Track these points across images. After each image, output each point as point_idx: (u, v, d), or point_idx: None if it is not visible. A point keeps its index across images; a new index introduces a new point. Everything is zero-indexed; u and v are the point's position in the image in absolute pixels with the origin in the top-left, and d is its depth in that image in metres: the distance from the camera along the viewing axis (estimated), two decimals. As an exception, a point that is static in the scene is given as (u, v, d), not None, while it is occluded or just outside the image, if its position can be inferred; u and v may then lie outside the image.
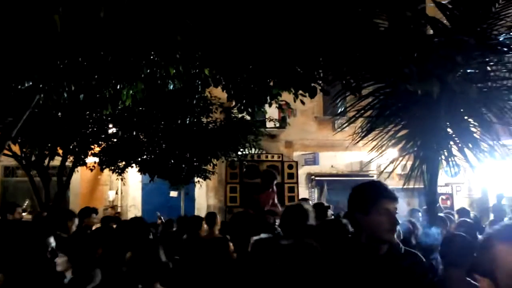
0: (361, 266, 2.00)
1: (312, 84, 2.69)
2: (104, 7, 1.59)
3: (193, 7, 1.91)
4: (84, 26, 1.72)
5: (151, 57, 2.55)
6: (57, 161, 7.62)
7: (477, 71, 3.37)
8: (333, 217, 8.15)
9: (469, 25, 3.43)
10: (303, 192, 12.79)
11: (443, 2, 3.56)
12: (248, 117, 7.76)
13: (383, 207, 2.00)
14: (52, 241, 2.26)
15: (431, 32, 3.69)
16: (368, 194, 2.09)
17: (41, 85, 2.41)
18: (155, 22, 1.94)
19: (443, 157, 3.99)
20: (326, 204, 6.87)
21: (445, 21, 3.64)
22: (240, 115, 7.83)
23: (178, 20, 1.94)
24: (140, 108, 5.52)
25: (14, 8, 1.53)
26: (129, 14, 1.80)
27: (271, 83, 3.75)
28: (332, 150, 13.61)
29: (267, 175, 6.80)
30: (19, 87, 2.18)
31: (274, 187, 6.63)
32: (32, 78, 2.12)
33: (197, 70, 2.96)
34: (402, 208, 2.31)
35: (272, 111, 8.61)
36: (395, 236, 2.05)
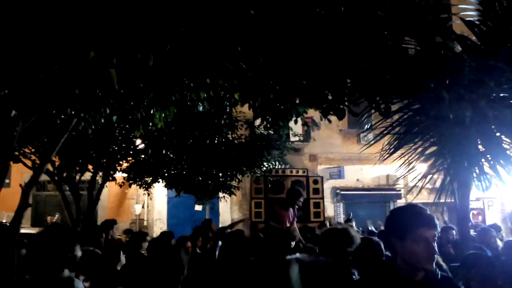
0: None
1: (341, 106, 2.71)
2: (153, 55, 1.68)
3: (223, 38, 1.98)
4: (133, 72, 1.83)
5: (183, 81, 2.64)
6: (87, 175, 7.83)
7: (506, 88, 3.32)
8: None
9: (498, 42, 3.39)
10: (328, 206, 12.67)
11: (470, 19, 3.53)
12: (272, 132, 7.80)
13: (420, 235, 1.91)
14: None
15: (459, 48, 3.67)
16: (405, 220, 1.99)
17: (82, 114, 2.54)
18: (191, 61, 2.02)
19: (474, 174, 3.92)
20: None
21: (473, 38, 3.61)
22: (265, 131, 7.89)
23: (211, 58, 2.01)
24: (170, 128, 5.65)
25: (71, 57, 1.64)
26: (169, 55, 1.89)
27: (297, 101, 3.79)
28: (357, 164, 13.46)
29: (291, 193, 6.82)
30: (62, 116, 2.31)
31: (296, 207, 6.60)
32: (74, 107, 2.24)
33: (227, 95, 3.03)
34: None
35: (296, 125, 8.63)
36: (434, 264, 1.95)
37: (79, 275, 3.02)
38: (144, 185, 8.92)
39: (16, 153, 6.06)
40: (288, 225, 6.38)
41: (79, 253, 2.40)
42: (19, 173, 9.72)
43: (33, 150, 6.50)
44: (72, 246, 2.35)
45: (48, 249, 2.26)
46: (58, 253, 2.26)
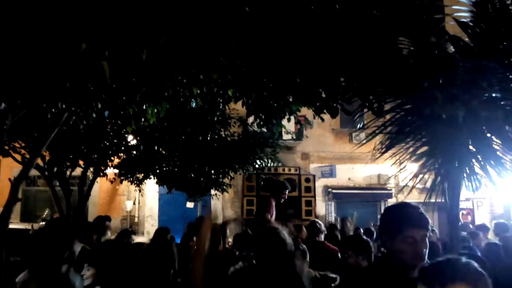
0: None
1: (334, 105, 2.72)
2: (146, 49, 1.66)
3: (217, 35, 1.97)
4: (125, 65, 1.81)
5: (176, 77, 2.62)
6: (77, 171, 7.76)
7: (498, 89, 3.34)
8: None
9: (491, 43, 3.40)
10: (320, 205, 12.71)
11: (463, 20, 3.55)
12: (265, 130, 7.77)
13: (409, 235, 1.92)
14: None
15: (452, 49, 3.68)
16: (395, 220, 2.01)
17: (73, 108, 2.51)
18: (185, 55, 2.01)
19: (465, 174, 3.94)
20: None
21: (466, 39, 3.63)
22: (258, 129, 7.88)
23: (207, 55, 2.00)
24: (162, 124, 5.62)
25: (63, 49, 1.61)
26: (163, 49, 1.87)
27: (291, 99, 3.79)
28: (349, 163, 13.53)
29: (277, 185, 6.66)
30: (53, 110, 2.28)
31: (278, 198, 6.43)
32: (65, 101, 2.21)
33: (221, 91, 3.01)
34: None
35: (288, 123, 8.63)
36: (423, 263, 1.94)
37: (83, 264, 3.03)
38: (135, 182, 8.87)
39: (6, 147, 5.99)
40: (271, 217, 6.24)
41: (77, 248, 2.39)
42: (9, 168, 9.63)
43: (23, 144, 6.43)
44: (71, 243, 2.34)
45: (47, 245, 2.26)
46: (57, 249, 2.25)
